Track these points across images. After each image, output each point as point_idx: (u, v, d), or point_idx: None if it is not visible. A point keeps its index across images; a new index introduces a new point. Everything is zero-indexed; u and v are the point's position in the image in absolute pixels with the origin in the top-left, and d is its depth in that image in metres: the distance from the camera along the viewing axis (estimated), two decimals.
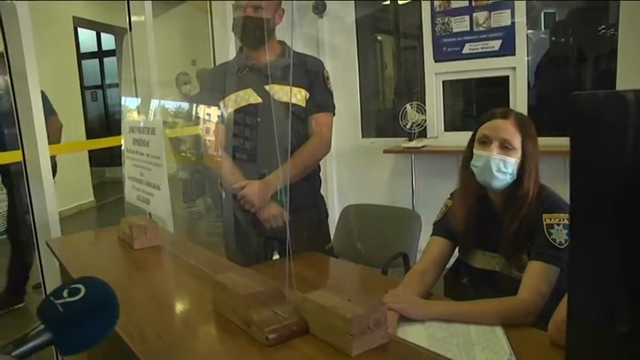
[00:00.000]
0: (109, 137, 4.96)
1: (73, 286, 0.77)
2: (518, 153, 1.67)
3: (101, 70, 10.60)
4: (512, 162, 1.66)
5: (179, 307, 1.38)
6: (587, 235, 0.71)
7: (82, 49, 9.59)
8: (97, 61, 10.51)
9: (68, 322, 0.73)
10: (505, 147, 1.67)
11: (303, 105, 2.26)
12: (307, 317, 1.07)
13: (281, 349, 1.04)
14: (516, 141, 1.66)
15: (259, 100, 2.24)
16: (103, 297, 0.78)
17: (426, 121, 4.34)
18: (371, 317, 0.98)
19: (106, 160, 8.92)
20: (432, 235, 1.91)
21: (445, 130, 4.47)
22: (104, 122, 10.65)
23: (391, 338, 1.01)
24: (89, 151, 7.43)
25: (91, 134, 8.11)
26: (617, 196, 0.66)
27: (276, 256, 2.35)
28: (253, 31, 2.20)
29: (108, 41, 10.03)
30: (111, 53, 10.07)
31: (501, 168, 1.66)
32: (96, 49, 10.39)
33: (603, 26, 3.80)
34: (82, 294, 0.75)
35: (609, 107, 0.64)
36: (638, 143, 0.63)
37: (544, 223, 1.62)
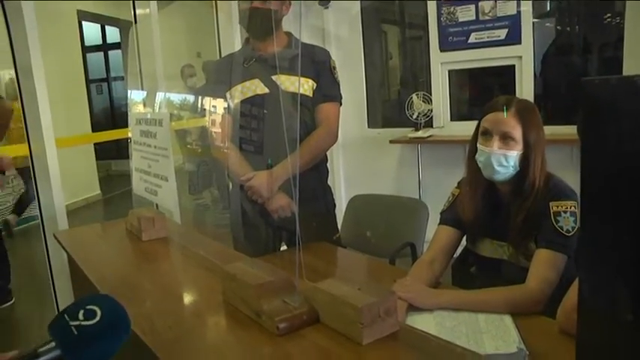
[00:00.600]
0: (115, 130, 4.99)
1: (90, 307, 0.76)
2: (520, 145, 1.65)
3: (106, 63, 10.59)
4: (514, 155, 1.65)
5: (188, 298, 1.39)
6: (598, 221, 0.70)
7: (87, 43, 9.58)
8: (101, 54, 10.49)
9: (81, 344, 0.73)
10: (506, 140, 1.66)
11: (311, 95, 2.26)
12: (318, 307, 1.08)
13: (291, 339, 1.04)
14: (517, 133, 1.65)
15: (266, 90, 2.24)
16: (118, 321, 0.78)
17: (432, 111, 4.33)
18: (381, 306, 0.98)
19: (112, 153, 8.95)
20: (439, 224, 1.91)
21: (451, 120, 4.46)
22: (110, 115, 10.65)
23: (401, 326, 1.02)
24: (95, 145, 7.46)
25: (96, 127, 8.13)
26: (628, 182, 0.65)
27: (283, 247, 2.36)
28: (261, 22, 2.20)
29: (112, 34, 10.01)
30: (116, 46, 10.03)
31: (502, 162, 1.66)
32: (101, 42, 10.37)
33: (609, 14, 3.78)
34: (98, 318, 0.75)
35: (621, 93, 0.63)
36: None
37: (551, 211, 1.62)
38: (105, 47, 10.44)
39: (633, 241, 0.66)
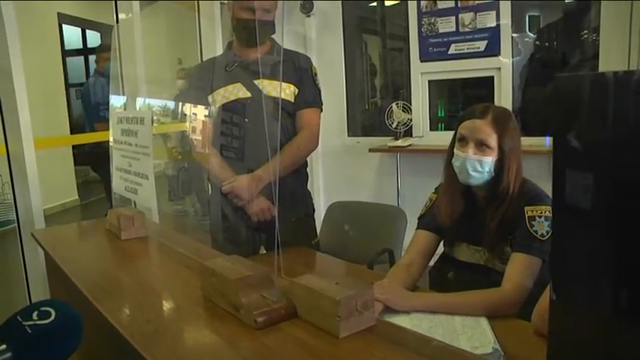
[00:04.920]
0: (95, 132, 4.94)
1: (44, 308, 0.74)
2: (495, 151, 1.69)
3: (86, 68, 10.48)
4: (489, 161, 1.69)
5: (167, 293, 1.39)
6: (569, 219, 0.72)
7: (67, 46, 9.49)
8: (82, 58, 10.37)
9: (34, 344, 0.71)
10: (481, 147, 1.70)
11: (292, 100, 2.29)
12: (296, 301, 1.09)
13: (269, 332, 1.06)
14: (492, 140, 1.69)
15: (248, 94, 2.26)
16: (72, 323, 0.76)
17: (411, 120, 4.37)
18: (359, 299, 1.00)
19: (90, 159, 8.85)
20: (417, 228, 1.94)
21: (430, 130, 4.50)
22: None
23: (378, 320, 1.04)
24: (73, 149, 7.38)
25: (75, 132, 8.02)
26: (600, 178, 0.67)
27: (262, 251, 2.36)
28: (259, 32, 2.22)
29: (93, 38, 9.91)
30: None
31: (477, 168, 1.69)
32: (81, 47, 10.27)
33: (586, 31, 3.86)
34: (52, 317, 0.73)
35: (592, 88, 0.65)
36: (618, 124, 0.64)
37: (526, 215, 1.65)
38: (85, 51, 10.32)
39: (605, 242, 0.68)
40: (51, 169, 5.63)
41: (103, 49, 4.71)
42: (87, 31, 9.97)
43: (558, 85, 0.69)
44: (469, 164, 1.70)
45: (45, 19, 6.97)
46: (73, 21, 8.26)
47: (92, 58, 10.06)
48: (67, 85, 8.75)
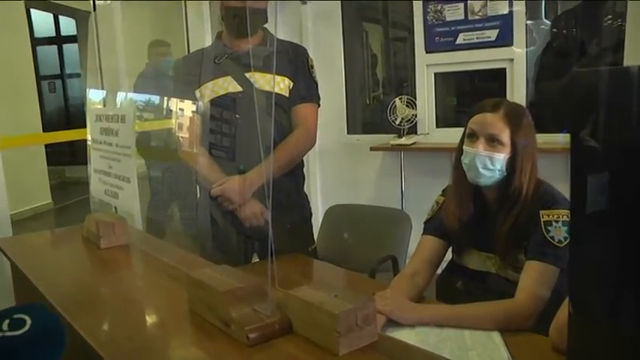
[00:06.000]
0: (69, 130, 4.89)
1: (17, 316, 0.70)
2: (508, 148, 1.69)
3: (60, 59, 10.40)
4: (500, 158, 1.69)
5: (151, 307, 1.39)
6: (588, 224, 0.72)
7: (37, 34, 9.41)
8: (55, 47, 10.27)
9: (4, 358, 0.67)
10: (492, 143, 1.70)
11: (287, 95, 2.28)
12: (291, 315, 1.09)
13: (262, 350, 1.05)
14: (505, 136, 1.69)
15: (239, 88, 2.25)
16: (51, 331, 0.72)
17: (416, 116, 4.37)
18: (359, 313, 1.00)
19: (66, 158, 8.82)
20: (422, 234, 1.94)
21: (437, 127, 4.50)
22: (64, 116, 10.44)
23: (381, 336, 1.04)
24: (47, 148, 7.35)
25: (48, 129, 7.99)
26: (621, 178, 0.67)
27: (255, 259, 2.36)
28: (250, 21, 2.21)
29: (68, 26, 9.79)
30: (71, 39, 9.73)
31: (488, 165, 1.69)
32: (54, 35, 10.16)
33: (609, 16, 3.84)
34: (26, 327, 0.69)
35: (612, 83, 0.65)
36: None
37: (541, 220, 1.65)
38: (59, 40, 10.22)
39: (628, 250, 0.67)
40: (20, 170, 5.58)
41: (160, 44, 4.68)
42: (60, 17, 9.83)
43: (576, 80, 0.69)
44: (479, 161, 1.70)
45: (10, 4, 6.88)
46: (44, 6, 8.16)
47: (68, 47, 10.01)
48: (39, 78, 8.68)
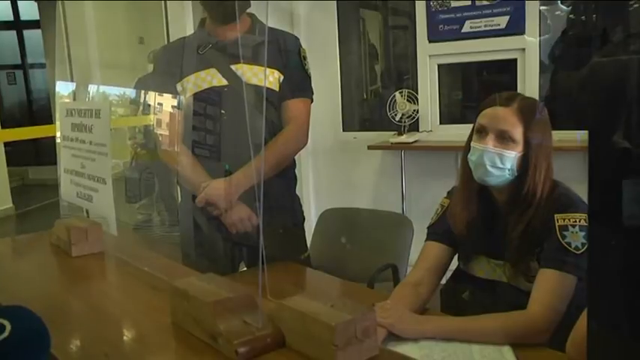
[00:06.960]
0: (32, 127, 4.86)
1: None
2: (520, 146, 1.70)
3: (21, 46, 10.29)
4: (512, 156, 1.70)
5: (130, 321, 1.39)
6: (609, 230, 0.71)
7: None
8: (13, 33, 10.16)
9: None
10: (503, 139, 1.71)
11: (277, 89, 2.29)
12: (284, 327, 1.10)
13: None
14: (517, 133, 1.70)
15: (224, 82, 2.26)
16: (34, 337, 0.73)
17: (418, 112, 4.38)
18: (359, 325, 1.00)
19: (29, 158, 8.78)
20: (426, 240, 1.95)
21: (441, 123, 4.53)
22: (26, 111, 10.37)
23: (382, 349, 1.04)
24: (6, 146, 7.31)
25: (8, 125, 7.92)
26: None
27: (243, 268, 2.37)
28: (231, 4, 2.21)
29: (28, 9, 9.65)
30: (34, 25, 9.58)
31: (497, 163, 1.70)
32: (12, 19, 10.07)
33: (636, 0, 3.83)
34: (6, 333, 0.70)
35: (633, 73, 0.65)
36: None
37: (556, 224, 1.66)
38: (18, 25, 10.10)
39: None
40: None
41: None
42: (19, 1, 9.71)
43: (596, 71, 0.69)
44: (487, 158, 1.70)
45: None
46: None
47: (29, 34, 9.85)
48: None
